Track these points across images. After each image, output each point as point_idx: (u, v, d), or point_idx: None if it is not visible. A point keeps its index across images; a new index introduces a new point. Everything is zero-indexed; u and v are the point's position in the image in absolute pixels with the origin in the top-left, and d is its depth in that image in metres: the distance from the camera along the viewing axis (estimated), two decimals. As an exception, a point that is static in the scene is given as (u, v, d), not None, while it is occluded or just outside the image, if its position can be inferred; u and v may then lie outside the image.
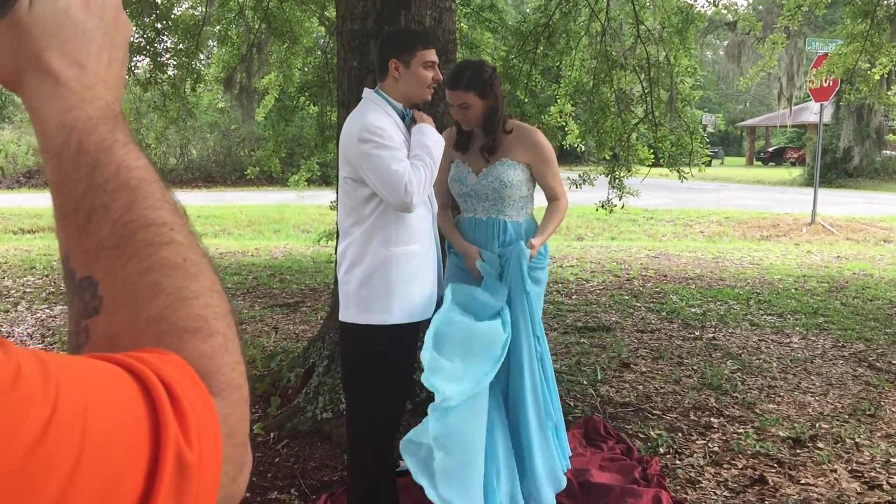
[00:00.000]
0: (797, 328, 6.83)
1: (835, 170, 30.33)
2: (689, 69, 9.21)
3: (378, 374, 2.85)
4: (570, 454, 3.38)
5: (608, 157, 10.05)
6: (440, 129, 3.05)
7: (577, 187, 9.52)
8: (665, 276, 9.57)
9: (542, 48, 9.28)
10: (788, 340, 6.42)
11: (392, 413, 2.97)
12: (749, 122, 49.40)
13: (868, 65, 9.43)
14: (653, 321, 7.05)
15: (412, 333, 2.91)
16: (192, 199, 22.00)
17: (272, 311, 7.36)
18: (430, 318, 2.91)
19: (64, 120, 0.61)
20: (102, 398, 0.45)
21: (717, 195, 23.56)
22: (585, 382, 5.07)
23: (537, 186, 3.22)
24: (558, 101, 9.72)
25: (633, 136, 9.88)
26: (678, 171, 10.47)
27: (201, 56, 11.44)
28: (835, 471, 3.77)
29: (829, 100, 14.65)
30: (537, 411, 3.05)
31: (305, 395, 4.16)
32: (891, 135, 34.60)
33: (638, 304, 7.78)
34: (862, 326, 6.90)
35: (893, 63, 9.07)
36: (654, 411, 4.57)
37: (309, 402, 4.08)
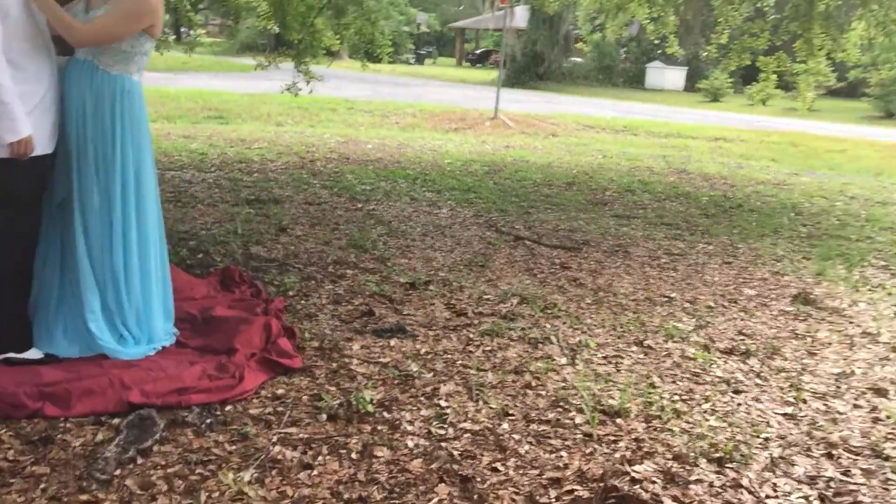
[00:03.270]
0: (449, 202, 7.69)
1: (528, 72, 32.82)
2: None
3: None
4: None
5: (297, 42, 10.18)
6: None
7: (261, 69, 9.64)
8: (348, 158, 10.11)
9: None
10: (438, 211, 7.23)
11: (20, 242, 3.14)
12: (460, 23, 51.48)
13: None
14: (323, 196, 7.54)
15: (35, 165, 3.08)
16: None
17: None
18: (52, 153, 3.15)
19: None
20: None
21: (421, 90, 24.69)
22: (238, 244, 5.43)
23: (145, 50, 3.34)
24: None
25: (319, 21, 10.08)
26: (361, 61, 10.92)
27: None
28: (433, 304, 4.51)
29: (508, 4, 15.85)
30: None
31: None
32: (579, 43, 37.91)
33: (314, 182, 8.23)
34: (503, 201, 7.93)
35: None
36: (297, 265, 5.06)
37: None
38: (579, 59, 39.29)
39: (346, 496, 2.53)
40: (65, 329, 3.28)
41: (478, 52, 50.27)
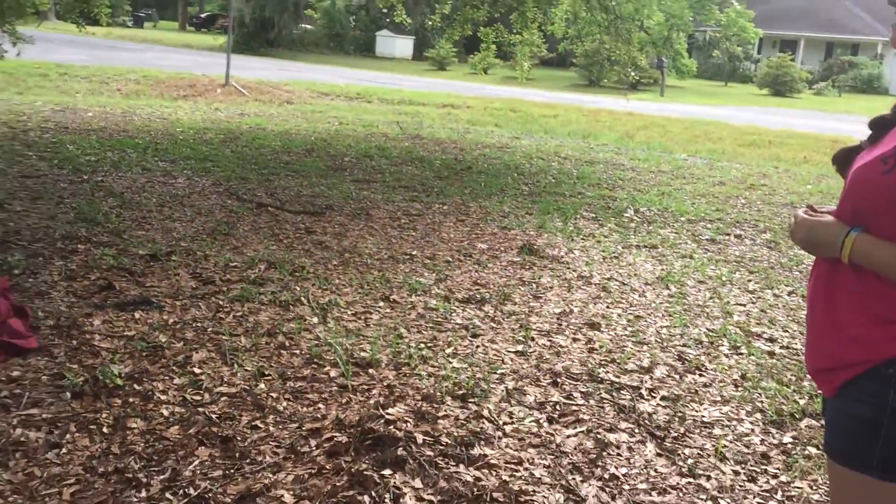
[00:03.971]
0: (185, 171, 7.43)
1: (258, 38, 32.02)
2: None
3: None
4: None
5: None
6: None
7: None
8: (66, 128, 9.35)
9: None
10: (174, 181, 6.97)
11: None
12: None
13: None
14: (42, 168, 6.96)
15: None
16: None
17: None
18: None
19: None
20: None
21: (142, 55, 23.24)
22: (-54, 223, 4.90)
23: None
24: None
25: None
26: (77, 23, 10.15)
27: None
28: (178, 274, 4.40)
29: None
30: None
31: None
32: (308, 9, 37.64)
33: (29, 154, 7.55)
34: (243, 168, 7.81)
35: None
36: (20, 242, 4.67)
37: None
38: (309, 27, 39.02)
39: (100, 470, 2.46)
40: None
41: (203, 15, 48.19)
